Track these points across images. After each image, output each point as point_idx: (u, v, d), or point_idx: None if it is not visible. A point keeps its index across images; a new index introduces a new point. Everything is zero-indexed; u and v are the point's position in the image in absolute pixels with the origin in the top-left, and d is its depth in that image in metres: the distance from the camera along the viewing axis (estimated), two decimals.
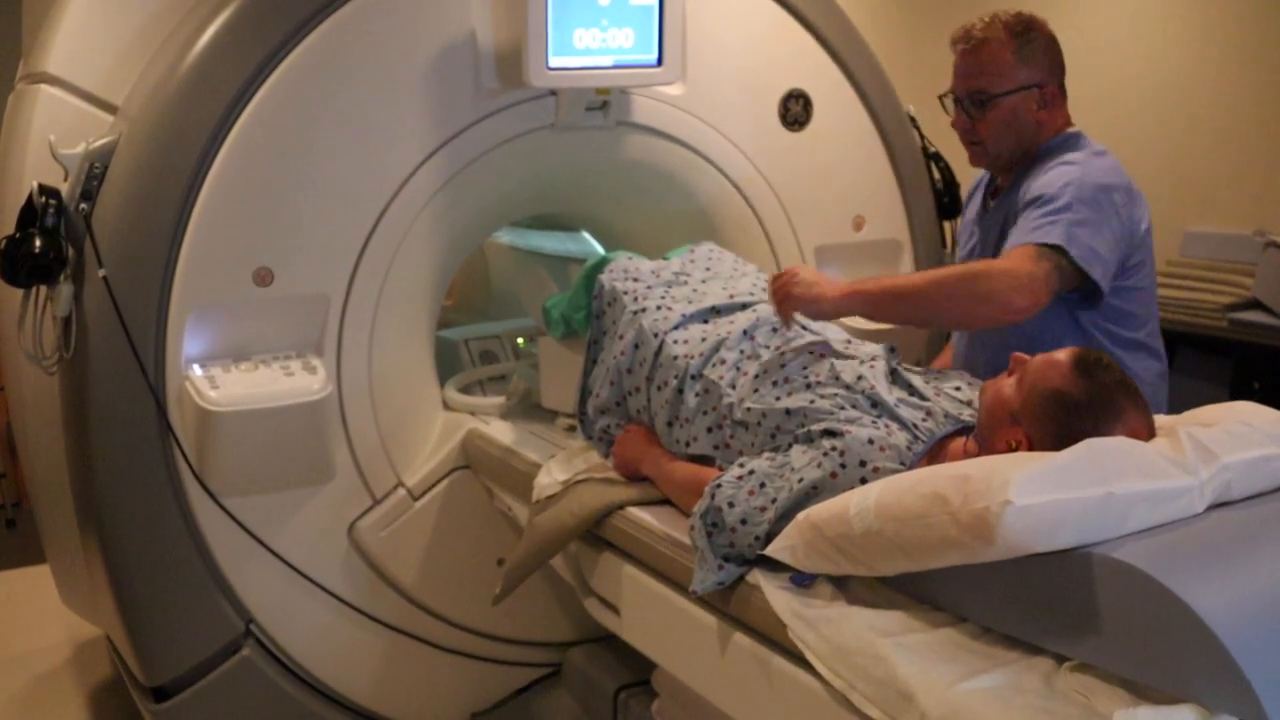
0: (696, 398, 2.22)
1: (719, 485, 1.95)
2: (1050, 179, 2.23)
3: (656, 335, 2.34)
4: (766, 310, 2.33)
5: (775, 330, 2.27)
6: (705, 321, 2.36)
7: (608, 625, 2.33)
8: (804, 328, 2.28)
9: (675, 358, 2.28)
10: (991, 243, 2.42)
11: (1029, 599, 1.51)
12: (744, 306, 2.39)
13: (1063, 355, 1.77)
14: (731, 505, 1.90)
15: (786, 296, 2.17)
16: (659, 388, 2.31)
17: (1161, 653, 1.34)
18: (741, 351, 2.24)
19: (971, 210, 2.60)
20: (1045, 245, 2.13)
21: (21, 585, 4.15)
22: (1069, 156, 2.28)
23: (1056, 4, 4.48)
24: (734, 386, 2.19)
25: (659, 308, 2.40)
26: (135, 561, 2.57)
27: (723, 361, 2.23)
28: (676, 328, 2.34)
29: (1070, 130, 2.36)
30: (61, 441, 2.64)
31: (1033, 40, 2.32)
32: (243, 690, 2.71)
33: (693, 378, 2.24)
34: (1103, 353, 1.79)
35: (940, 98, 2.40)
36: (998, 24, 2.33)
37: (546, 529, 2.30)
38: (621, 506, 2.21)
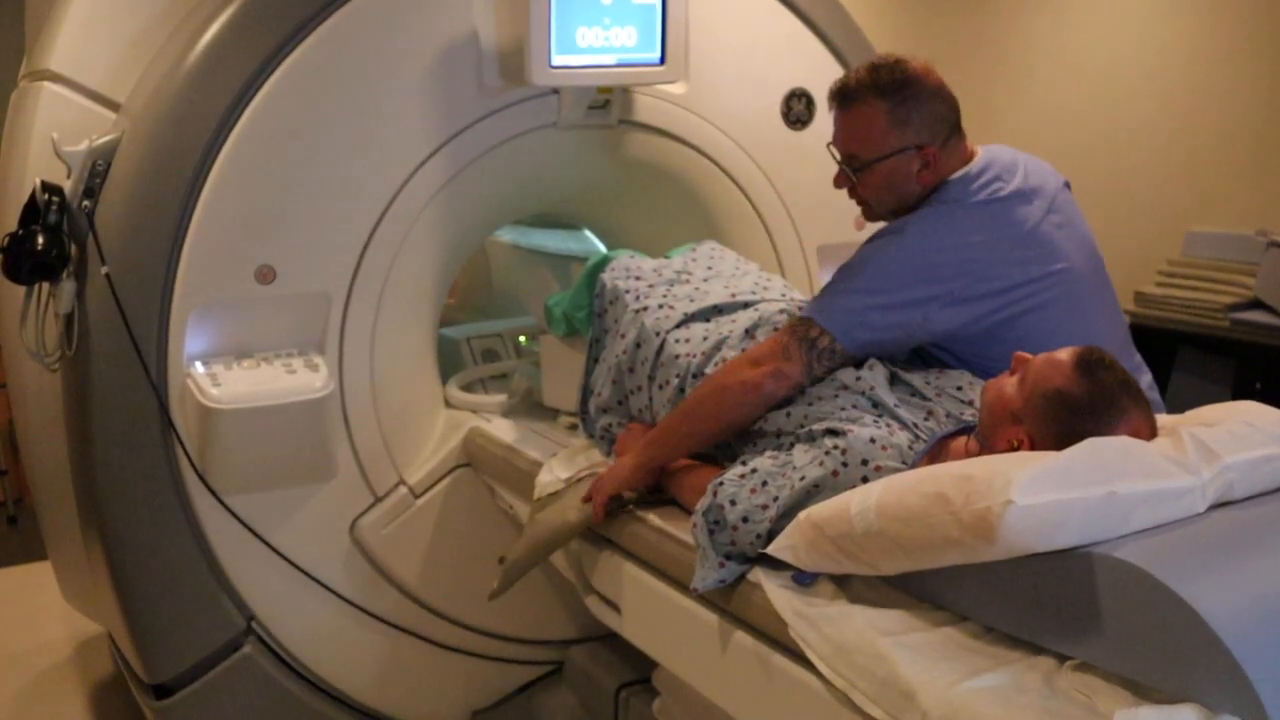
0: None
1: (721, 483, 1.95)
2: (859, 252, 2.16)
3: (658, 334, 2.34)
4: (769, 309, 2.32)
5: (778, 329, 2.27)
6: (707, 320, 2.36)
7: (609, 623, 2.33)
8: None
9: (677, 357, 2.28)
10: None
11: (1030, 598, 1.51)
12: (746, 305, 2.39)
13: (1064, 355, 1.77)
14: (733, 503, 1.90)
15: (598, 489, 2.23)
16: (660, 386, 2.31)
17: (1163, 652, 1.34)
18: (744, 349, 2.24)
19: None
20: (798, 317, 2.11)
21: (23, 582, 4.15)
22: (901, 222, 2.14)
23: (1058, 10, 4.49)
24: None
25: (660, 306, 2.40)
26: (137, 559, 2.57)
27: (725, 360, 2.23)
28: (678, 326, 2.34)
29: (951, 179, 2.16)
30: (63, 438, 2.64)
31: (907, 100, 2.13)
32: (244, 687, 2.71)
33: (694, 376, 2.24)
34: (1105, 352, 1.78)
35: (828, 145, 2.24)
36: (868, 84, 2.14)
37: (548, 525, 2.30)
38: (625, 504, 2.21)
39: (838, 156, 2.22)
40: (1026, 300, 2.10)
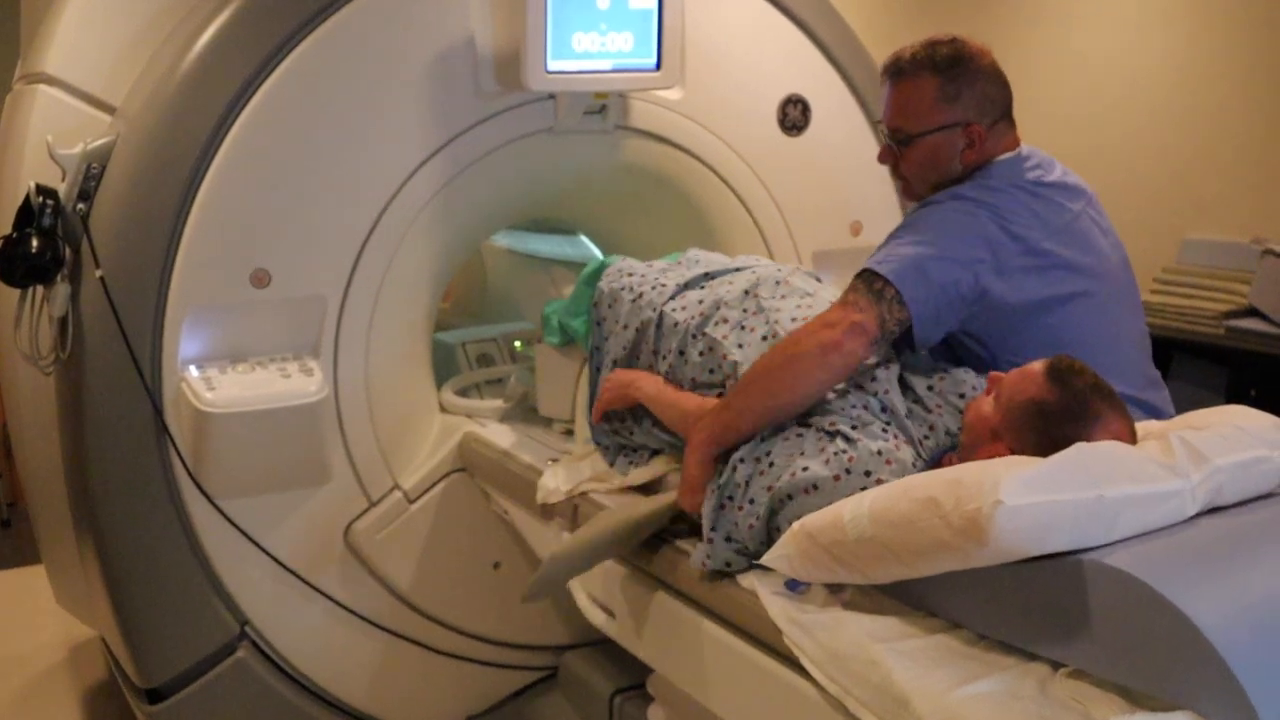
0: (700, 356, 2.19)
1: (742, 460, 1.95)
2: (904, 219, 2.16)
3: (655, 308, 2.33)
4: (766, 270, 2.31)
5: (778, 284, 2.25)
6: (701, 288, 2.34)
7: (602, 629, 2.33)
8: (808, 293, 2.24)
9: (676, 324, 2.27)
10: None
11: (1023, 605, 1.51)
12: (738, 270, 2.37)
13: (1036, 366, 1.79)
14: (747, 484, 1.91)
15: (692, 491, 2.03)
16: (663, 357, 2.29)
17: (1156, 659, 1.34)
18: (745, 309, 2.21)
19: None
20: (856, 278, 2.05)
21: (16, 586, 4.14)
22: (943, 194, 2.15)
23: (1056, 18, 4.50)
24: (740, 346, 2.14)
25: (654, 288, 2.38)
26: (130, 563, 2.57)
27: (725, 320, 2.20)
28: (673, 297, 2.33)
29: (997, 159, 2.18)
30: (57, 442, 2.64)
31: (960, 77, 2.14)
32: (237, 692, 2.71)
33: (693, 336, 2.22)
34: (1075, 359, 1.79)
35: (876, 124, 2.23)
36: (923, 58, 2.16)
37: (612, 521, 2.12)
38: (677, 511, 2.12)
39: (885, 131, 2.23)
40: (1066, 284, 2.10)
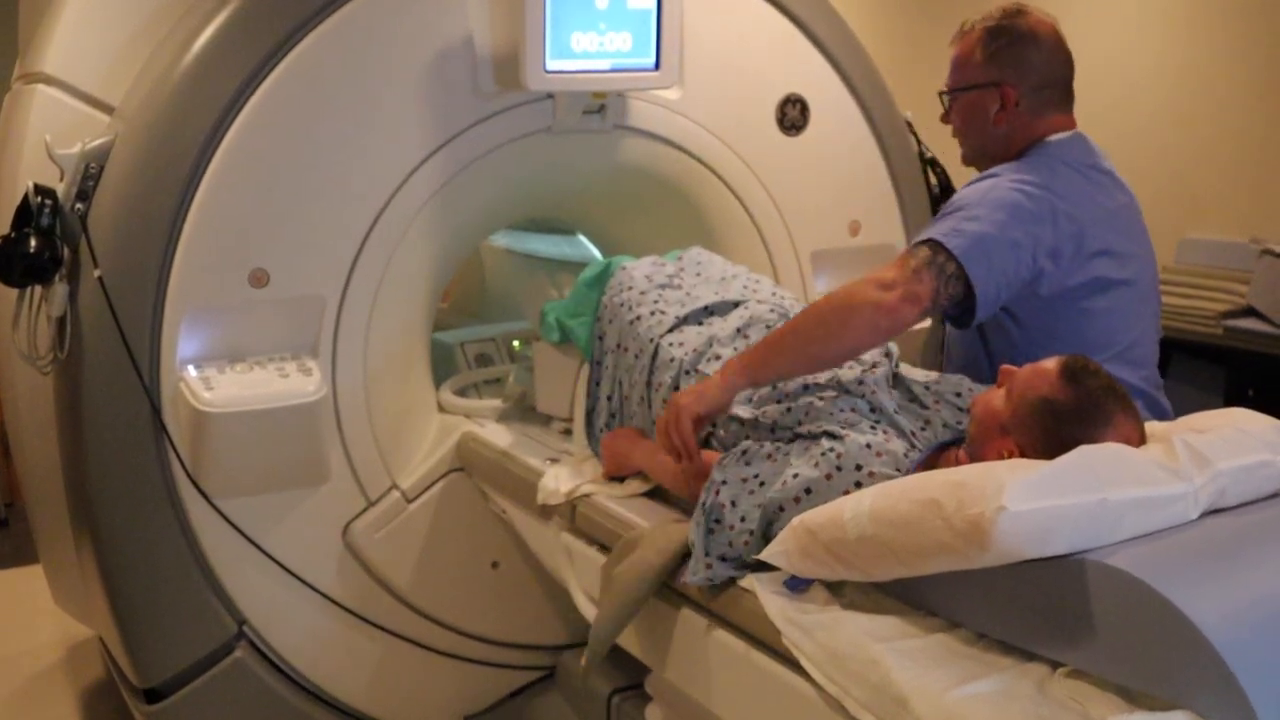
0: None
1: (724, 482, 1.95)
2: (963, 191, 2.19)
3: (652, 340, 2.34)
4: (759, 308, 2.33)
5: (769, 327, 2.28)
6: (699, 323, 2.37)
7: None
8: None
9: (671, 359, 2.29)
10: None
11: (1023, 605, 1.51)
12: (736, 304, 2.39)
13: (1050, 363, 1.77)
14: (734, 504, 1.91)
15: (676, 416, 2.05)
16: (656, 389, 2.31)
17: (1155, 659, 1.34)
18: (735, 348, 2.25)
19: None
20: (918, 243, 2.07)
21: (14, 585, 4.14)
22: (1002, 167, 2.20)
23: (1056, 18, 4.50)
24: None
25: (653, 314, 2.40)
26: (128, 562, 2.56)
27: (718, 357, 2.23)
28: (671, 331, 2.35)
29: (1052, 138, 2.24)
30: (55, 442, 2.63)
31: (1003, 36, 2.22)
32: (235, 692, 2.70)
33: (687, 373, 2.25)
34: (1090, 359, 1.78)
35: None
36: (980, 20, 2.27)
37: (631, 578, 2.05)
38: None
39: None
40: (1112, 270, 2.14)
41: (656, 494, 2.31)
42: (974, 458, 1.84)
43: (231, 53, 2.51)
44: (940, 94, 2.33)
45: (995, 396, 1.83)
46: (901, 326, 1.99)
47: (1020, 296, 2.12)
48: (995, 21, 2.24)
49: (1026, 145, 2.24)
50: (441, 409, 2.96)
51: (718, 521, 1.92)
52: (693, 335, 2.32)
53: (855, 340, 2.00)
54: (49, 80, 2.71)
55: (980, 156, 2.30)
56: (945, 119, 2.36)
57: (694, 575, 1.90)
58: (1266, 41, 3.93)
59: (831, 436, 1.91)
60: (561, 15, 2.60)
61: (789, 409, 2.03)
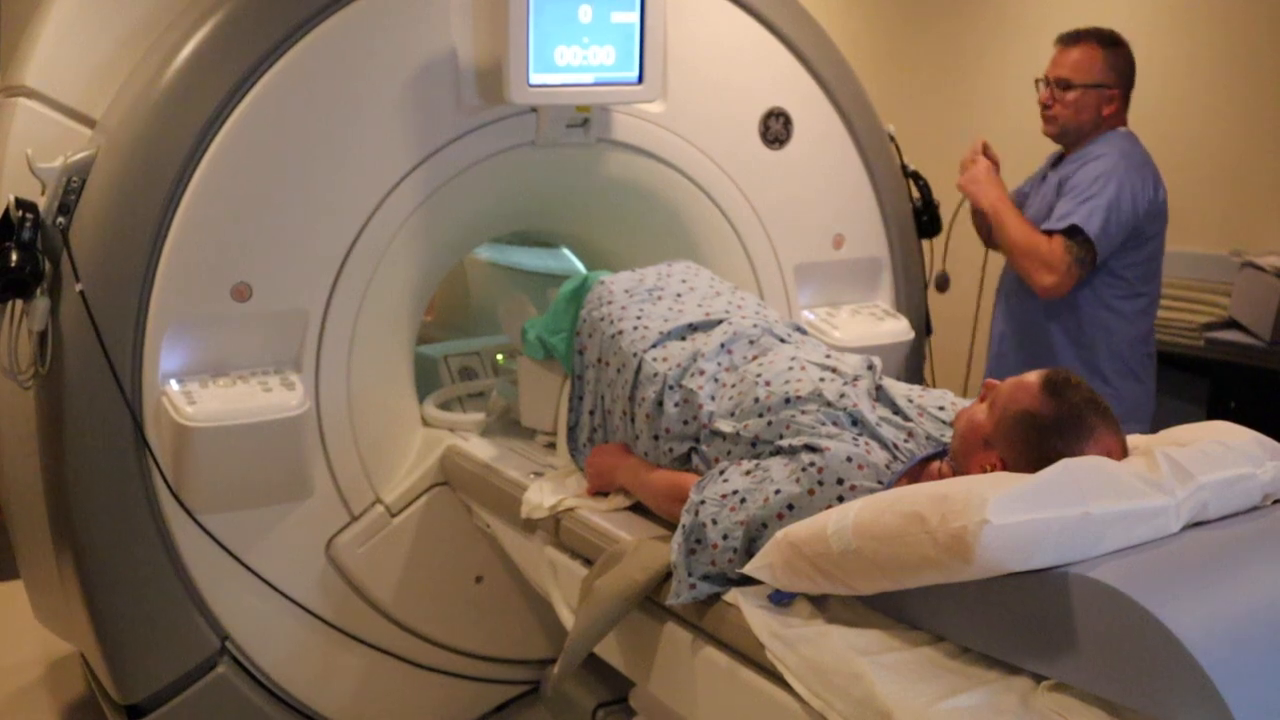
0: (676, 408, 2.23)
1: (703, 502, 1.95)
2: (1087, 170, 2.93)
3: (635, 355, 2.34)
4: (742, 324, 2.33)
5: (752, 343, 2.28)
6: (683, 339, 2.37)
7: None
8: (781, 339, 2.31)
9: (655, 374, 2.29)
10: (1048, 198, 3.04)
11: (1006, 618, 1.51)
12: (720, 322, 2.40)
13: (1032, 377, 1.79)
14: (715, 523, 1.91)
15: (971, 179, 3.09)
16: (639, 404, 2.31)
17: (1138, 673, 1.34)
18: (719, 363, 2.25)
19: (1041, 167, 3.25)
20: (1075, 238, 2.88)
21: None
22: (1100, 149, 2.97)
23: (1040, 29, 4.52)
24: (713, 398, 2.19)
25: (635, 328, 2.40)
26: (110, 578, 2.55)
27: (701, 372, 2.24)
28: (655, 346, 2.34)
29: (1121, 129, 3.04)
30: (37, 457, 2.62)
31: (1115, 52, 3.00)
32: (218, 708, 2.69)
33: (670, 388, 2.25)
34: (1071, 372, 1.80)
35: (1036, 81, 3.07)
36: (1092, 33, 3.01)
37: (610, 593, 2.05)
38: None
39: (1047, 83, 3.06)
40: (1158, 227, 3.03)
41: (640, 508, 2.31)
42: (957, 471, 1.84)
43: (214, 67, 2.50)
44: (1047, 81, 3.03)
45: (978, 410, 1.84)
46: (1046, 295, 2.98)
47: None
48: (1107, 36, 3.00)
49: (1106, 131, 3.02)
50: (425, 423, 2.96)
51: (699, 542, 1.91)
52: (676, 350, 2.32)
53: (1024, 270, 3.01)
54: (31, 93, 2.70)
55: (1067, 135, 3.05)
56: (1049, 101, 3.04)
57: (677, 596, 1.90)
58: (1245, 56, 3.96)
59: (812, 449, 1.91)
60: (545, 29, 2.61)
61: (770, 423, 2.03)
